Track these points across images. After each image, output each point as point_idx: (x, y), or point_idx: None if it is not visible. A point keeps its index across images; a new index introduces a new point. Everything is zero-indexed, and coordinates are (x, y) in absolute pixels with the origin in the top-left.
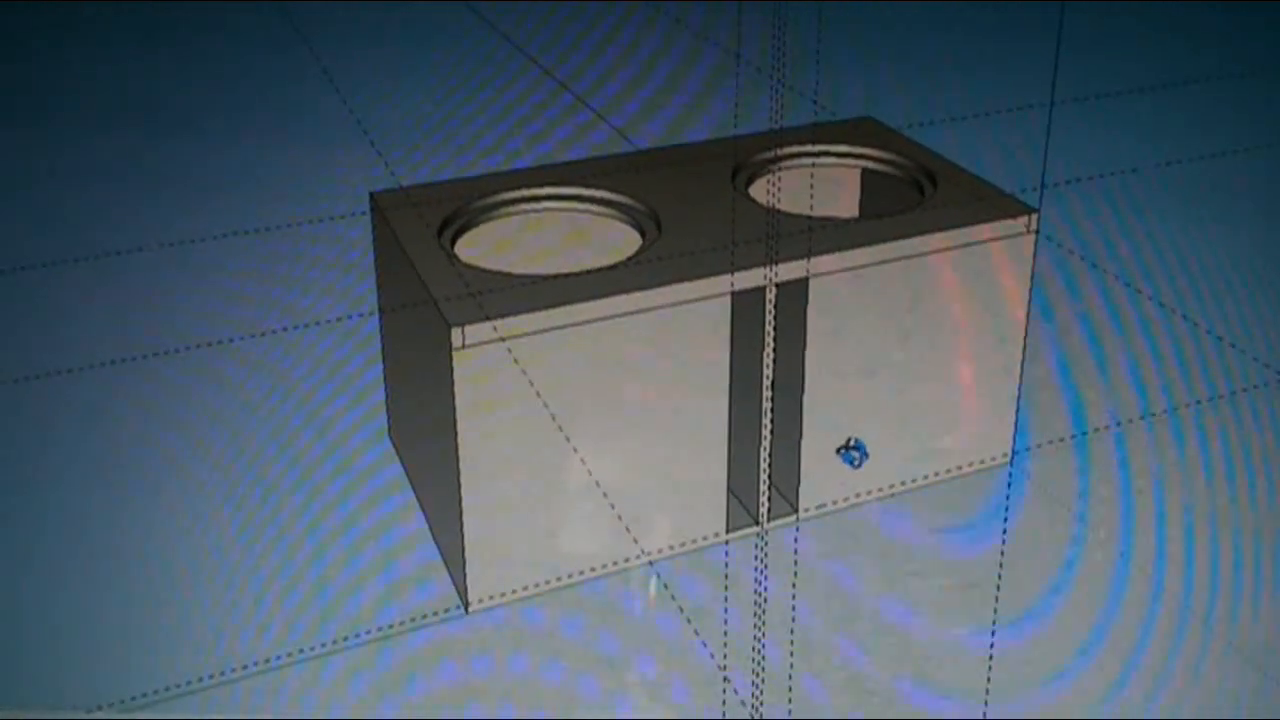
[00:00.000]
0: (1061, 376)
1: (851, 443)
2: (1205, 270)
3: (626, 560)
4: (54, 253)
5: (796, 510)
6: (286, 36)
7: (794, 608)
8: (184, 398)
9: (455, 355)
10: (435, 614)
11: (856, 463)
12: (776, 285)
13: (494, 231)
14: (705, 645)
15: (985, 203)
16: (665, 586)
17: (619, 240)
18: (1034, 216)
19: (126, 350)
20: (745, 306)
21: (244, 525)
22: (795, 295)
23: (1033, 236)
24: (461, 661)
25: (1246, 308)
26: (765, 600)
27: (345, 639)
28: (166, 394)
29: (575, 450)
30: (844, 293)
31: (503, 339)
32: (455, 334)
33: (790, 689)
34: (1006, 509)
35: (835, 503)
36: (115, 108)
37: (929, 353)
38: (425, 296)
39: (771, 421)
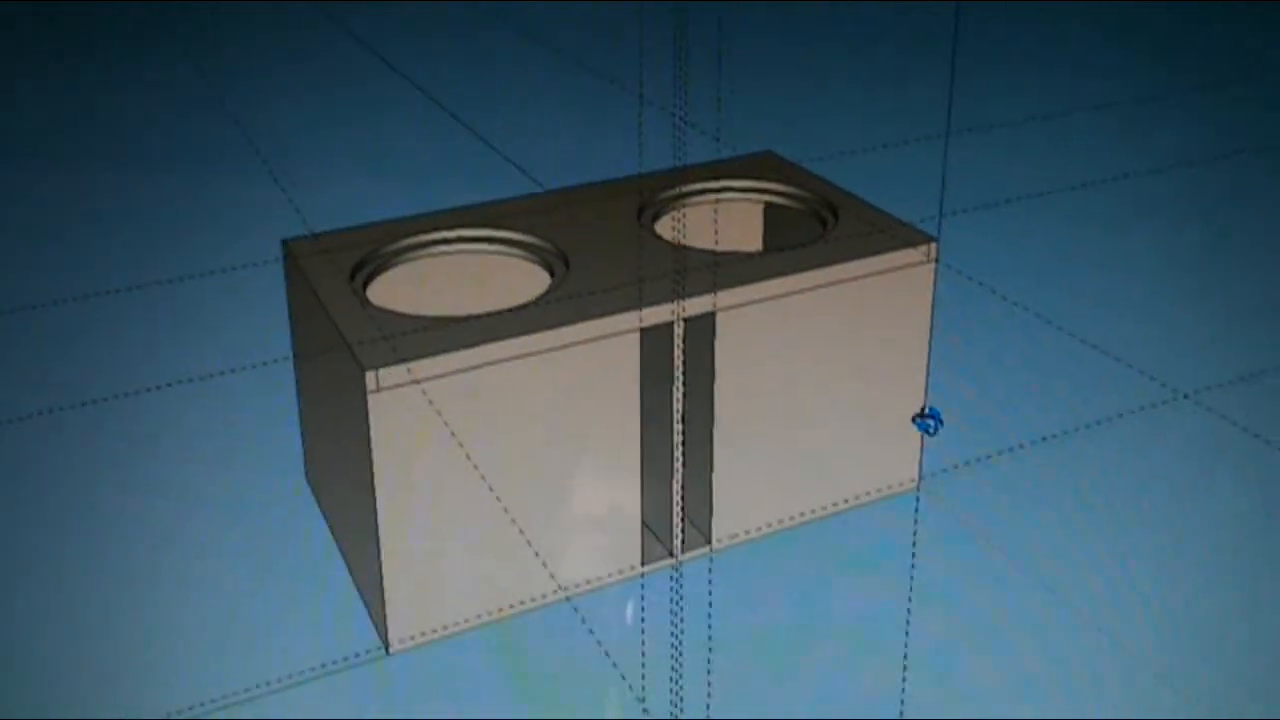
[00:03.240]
0: (964, 400)
1: (926, 410)
2: (1101, 292)
3: (544, 596)
4: None
5: (710, 541)
6: (191, 79)
7: (710, 639)
8: (99, 447)
9: (370, 398)
10: (356, 655)
11: (932, 430)
12: (684, 320)
13: (406, 275)
14: (624, 678)
15: (886, 233)
16: (582, 620)
17: (529, 280)
18: (934, 245)
19: (38, 403)
20: (654, 342)
21: (160, 571)
22: (703, 329)
23: (933, 265)
24: (383, 702)
25: (1142, 328)
26: (682, 632)
27: (267, 683)
28: (81, 445)
29: (491, 489)
30: (750, 325)
31: (417, 381)
32: (369, 377)
33: (708, 715)
34: (914, 534)
35: (748, 533)
36: (8, 146)
37: (835, 382)
38: (339, 341)
39: (683, 454)
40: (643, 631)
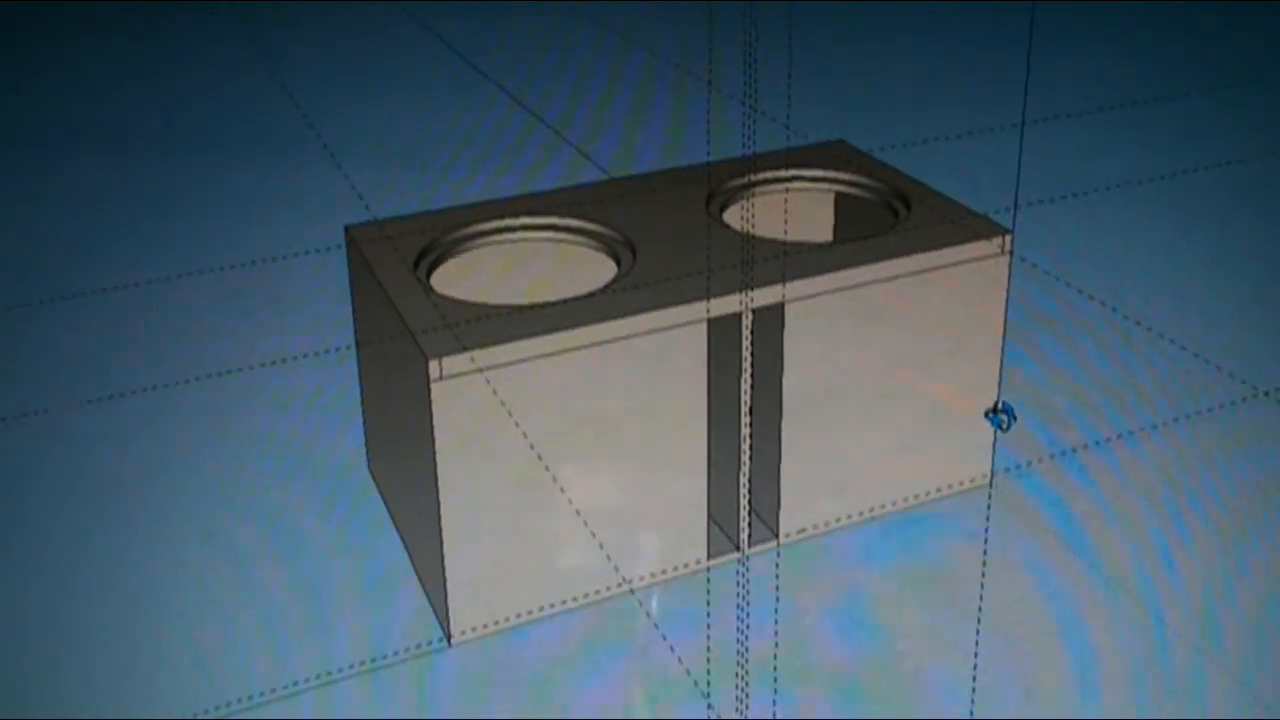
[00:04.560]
0: (1039, 396)
1: (1000, 406)
2: (1180, 287)
3: (608, 589)
4: (26, 294)
5: (777, 535)
6: (256, 66)
7: (776, 633)
8: (163, 436)
9: (433, 387)
10: (419, 647)
11: (1005, 426)
12: (753, 310)
13: (469, 262)
14: (689, 672)
15: (959, 224)
16: (648, 614)
17: (595, 269)
18: (1008, 237)
19: (103, 390)
20: (722, 332)
21: (224, 561)
22: (771, 320)
23: (1007, 257)
24: (445, 694)
25: (1222, 324)
26: (748, 626)
27: (329, 674)
28: (146, 433)
29: (555, 480)
30: (820, 316)
31: (480, 370)
32: (433, 366)
33: (774, 715)
34: (987, 531)
35: (815, 527)
36: (80, 136)
37: (906, 375)
38: (402, 329)
39: (750, 447)
40: (708, 626)
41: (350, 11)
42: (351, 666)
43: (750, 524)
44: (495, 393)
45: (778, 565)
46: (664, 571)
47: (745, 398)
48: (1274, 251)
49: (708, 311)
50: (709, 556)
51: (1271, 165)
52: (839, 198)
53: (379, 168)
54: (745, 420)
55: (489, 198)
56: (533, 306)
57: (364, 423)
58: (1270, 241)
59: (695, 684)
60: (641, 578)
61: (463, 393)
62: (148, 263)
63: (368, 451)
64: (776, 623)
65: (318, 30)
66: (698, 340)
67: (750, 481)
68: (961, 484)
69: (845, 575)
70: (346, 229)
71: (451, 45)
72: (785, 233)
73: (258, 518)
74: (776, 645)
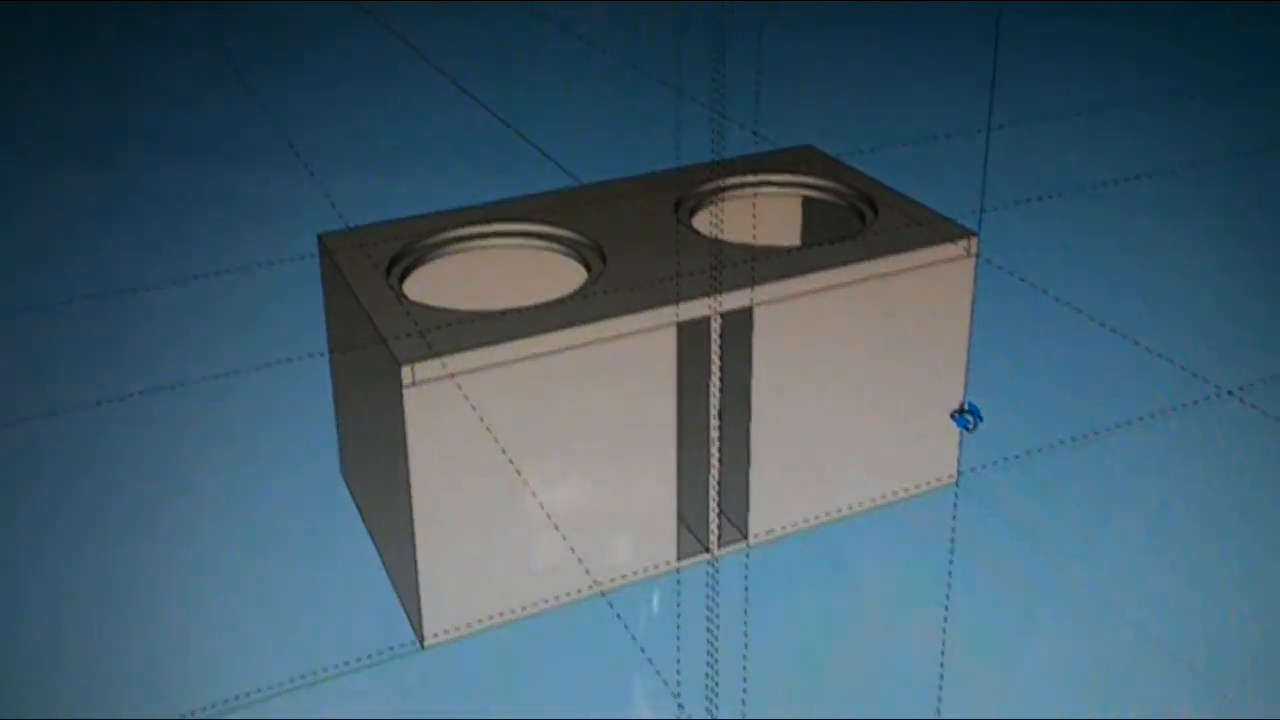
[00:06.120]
0: (1004, 396)
1: (965, 406)
2: (1144, 288)
3: (579, 591)
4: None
5: (746, 536)
6: (223, 72)
7: (746, 633)
8: (135, 444)
9: (405, 393)
10: (391, 649)
11: (971, 426)
12: (721, 315)
13: (441, 269)
14: (659, 673)
15: (925, 228)
16: (618, 616)
17: (565, 274)
18: (973, 240)
19: (76, 399)
20: (691, 336)
21: (196, 566)
22: (740, 324)
23: (973, 260)
24: (417, 696)
25: (1185, 324)
26: (717, 627)
27: (302, 676)
28: (118, 440)
29: (526, 483)
30: (788, 320)
31: (452, 375)
32: (405, 372)
33: (744, 715)
34: (953, 530)
35: (784, 528)
36: (45, 145)
37: (874, 377)
38: (375, 336)
39: (720, 449)
40: (678, 627)
41: (318, 17)
42: (325, 669)
43: (720, 525)
44: (467, 398)
45: (747, 566)
46: (634, 573)
47: (714, 401)
48: (1236, 252)
49: (677, 316)
50: (679, 558)
51: (1234, 168)
52: (806, 202)
53: (350, 175)
54: (714, 423)
55: (460, 204)
56: (504, 312)
57: (337, 428)
58: (1232, 242)
59: (665, 684)
60: (612, 579)
61: (435, 398)
62: (117, 272)
63: (341, 457)
64: (746, 623)
65: (285, 36)
66: (667, 344)
67: (720, 483)
68: (928, 484)
69: (813, 575)
70: (319, 237)
71: (420, 51)
72: (754, 237)
73: (230, 522)
74: (746, 645)
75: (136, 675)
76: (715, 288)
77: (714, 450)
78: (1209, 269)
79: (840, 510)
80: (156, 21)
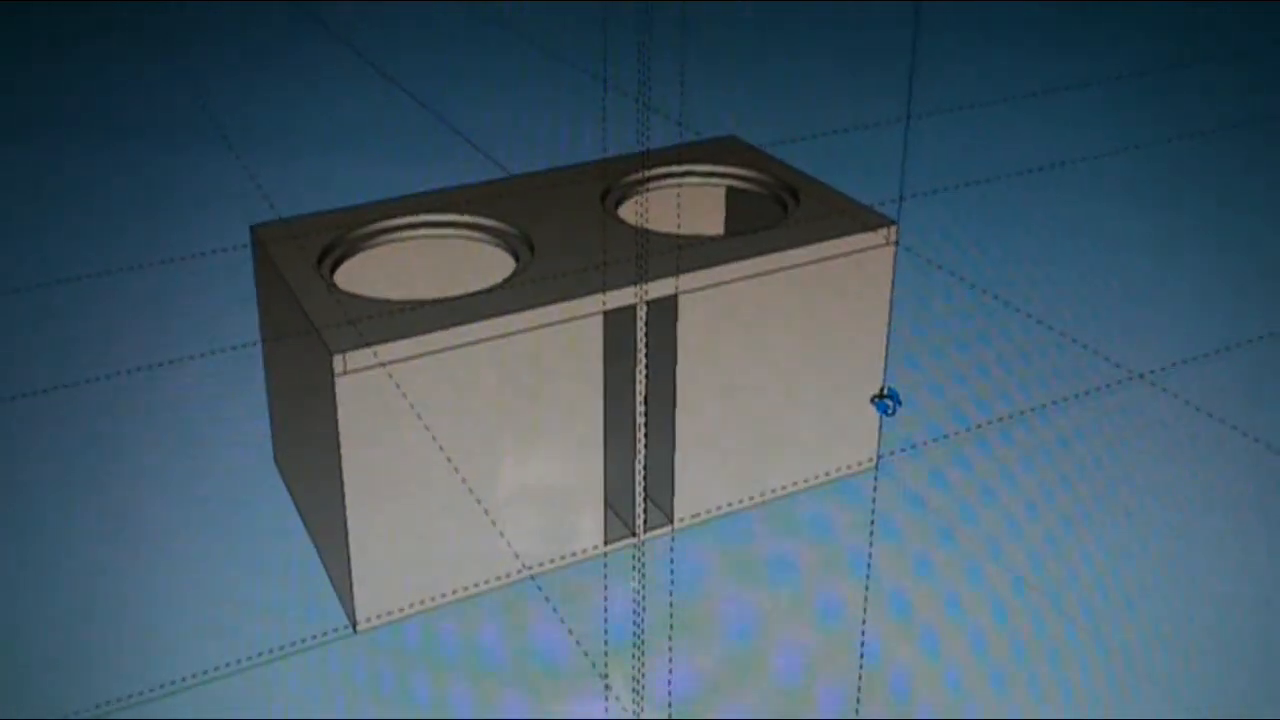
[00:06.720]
0: (923, 382)
1: (885, 391)
2: (1058, 275)
3: (509, 575)
4: None
5: (672, 520)
6: (159, 63)
7: (671, 615)
8: (65, 433)
9: (337, 381)
10: (324, 634)
11: (890, 411)
12: (647, 303)
13: (372, 259)
14: (587, 654)
15: (846, 216)
16: (546, 599)
17: (493, 264)
18: (893, 228)
19: (2, 390)
20: (617, 324)
21: (129, 552)
22: (665, 312)
23: (892, 248)
24: (350, 680)
25: (1098, 309)
26: (644, 609)
27: (236, 661)
28: (48, 431)
29: (456, 470)
30: (712, 308)
31: (383, 364)
32: (337, 361)
33: (670, 696)
34: (873, 513)
35: (709, 511)
36: None
37: (795, 363)
38: (307, 325)
39: (645, 435)
40: (605, 609)
41: (255, 13)
42: (259, 654)
43: (646, 509)
44: (398, 386)
45: (672, 549)
46: (563, 557)
47: (640, 388)
48: (1148, 238)
49: (604, 304)
50: (606, 542)
51: (1150, 154)
52: (730, 192)
53: (283, 166)
54: (640, 409)
55: (390, 195)
56: (434, 302)
57: (270, 416)
58: (1145, 229)
59: (593, 665)
60: (541, 563)
61: (366, 386)
62: (48, 263)
63: (274, 444)
64: (672, 605)
65: (223, 31)
66: (594, 332)
67: (645, 468)
68: (849, 467)
69: (737, 558)
70: (252, 228)
71: (354, 46)
72: (678, 227)
73: (163, 509)
74: (672, 627)
75: (65, 661)
76: (641, 277)
77: (640, 436)
78: (1124, 255)
79: (763, 494)
80: (88, 13)
